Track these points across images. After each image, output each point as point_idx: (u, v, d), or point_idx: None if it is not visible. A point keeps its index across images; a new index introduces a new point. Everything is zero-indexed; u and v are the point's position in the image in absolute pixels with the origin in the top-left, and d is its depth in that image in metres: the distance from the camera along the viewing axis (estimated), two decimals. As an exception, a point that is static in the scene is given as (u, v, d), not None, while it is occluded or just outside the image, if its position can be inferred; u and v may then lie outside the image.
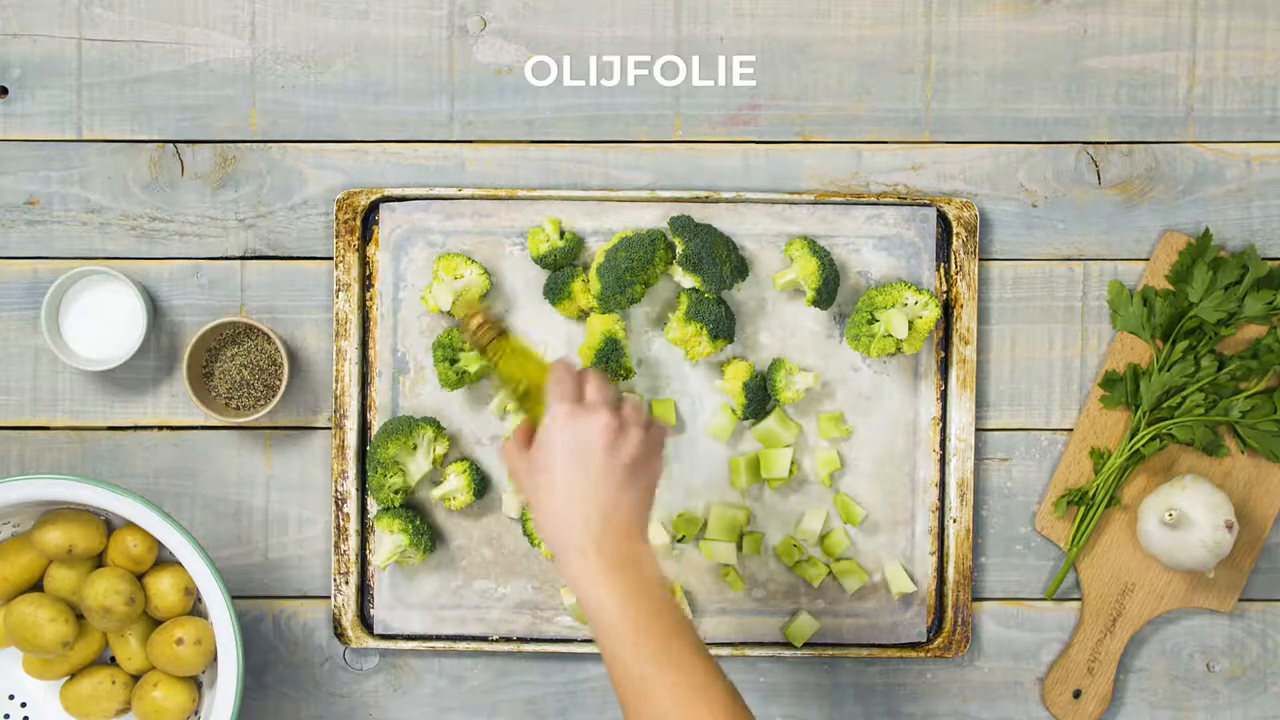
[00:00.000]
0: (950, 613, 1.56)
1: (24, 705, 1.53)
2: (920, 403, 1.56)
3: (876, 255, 1.56)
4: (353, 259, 1.55)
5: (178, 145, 1.57)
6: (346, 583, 1.56)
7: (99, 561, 1.51)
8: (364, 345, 1.57)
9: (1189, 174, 1.57)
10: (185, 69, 1.57)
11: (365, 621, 1.58)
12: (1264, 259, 1.56)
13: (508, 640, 1.57)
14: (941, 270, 1.56)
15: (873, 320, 1.52)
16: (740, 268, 1.53)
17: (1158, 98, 1.57)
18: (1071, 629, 1.59)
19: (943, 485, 1.57)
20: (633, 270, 1.50)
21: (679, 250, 1.51)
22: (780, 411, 1.55)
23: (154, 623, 1.51)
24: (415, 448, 1.54)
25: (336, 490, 1.56)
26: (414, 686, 1.59)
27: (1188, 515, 1.49)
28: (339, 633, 1.57)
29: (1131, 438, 1.55)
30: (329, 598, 1.58)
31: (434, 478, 1.56)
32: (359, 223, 1.55)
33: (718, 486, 1.56)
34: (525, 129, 1.57)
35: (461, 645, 1.57)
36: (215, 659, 1.48)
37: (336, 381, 1.56)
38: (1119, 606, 1.57)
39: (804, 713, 1.59)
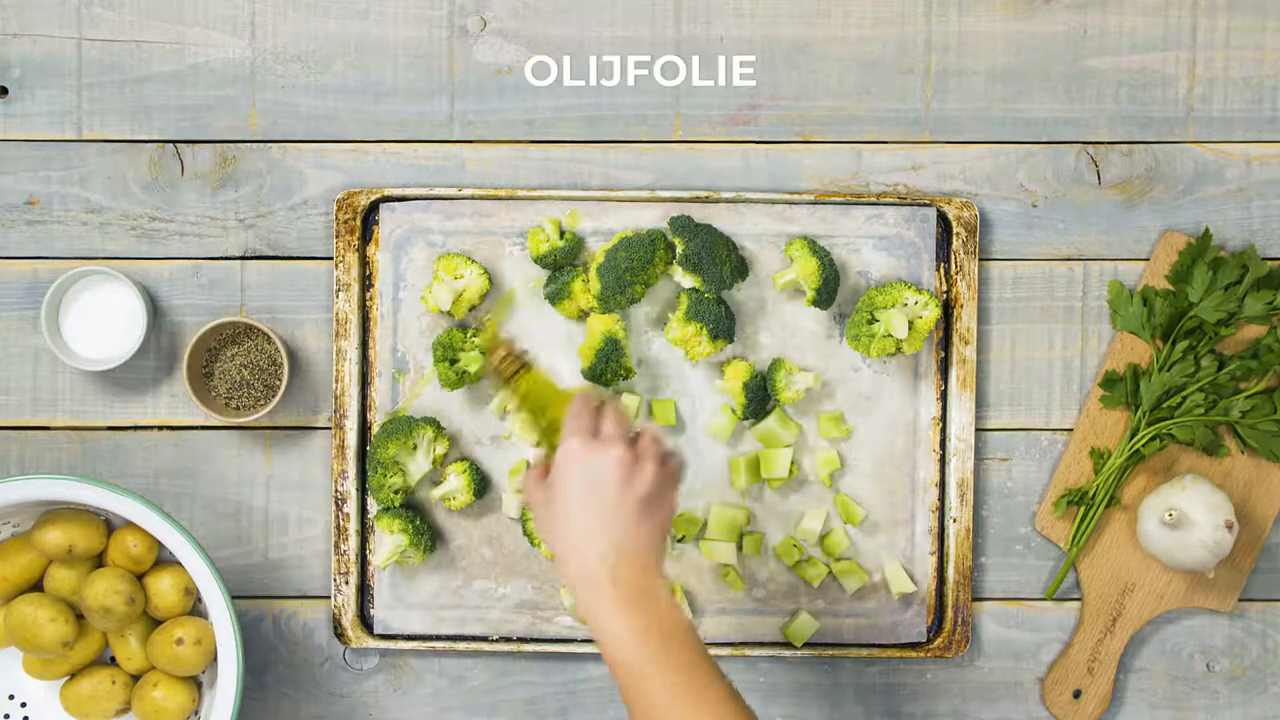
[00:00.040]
0: (950, 613, 1.56)
1: (24, 705, 1.53)
2: (920, 403, 1.56)
3: (876, 255, 1.56)
4: (353, 259, 1.55)
5: (178, 145, 1.57)
6: (346, 583, 1.56)
7: (99, 561, 1.51)
8: (364, 345, 1.57)
9: (1189, 174, 1.57)
10: (185, 69, 1.57)
11: (365, 621, 1.58)
12: (1264, 259, 1.56)
13: (508, 640, 1.57)
14: (941, 270, 1.56)
15: (873, 320, 1.52)
16: (740, 268, 1.53)
17: (1158, 98, 1.57)
18: (1071, 629, 1.59)
19: (943, 485, 1.57)
20: (633, 270, 1.50)
21: (679, 250, 1.51)
22: (780, 411, 1.55)
23: (154, 623, 1.51)
24: (415, 448, 1.54)
25: (336, 490, 1.56)
26: (414, 686, 1.59)
27: (1188, 515, 1.49)
28: (339, 633, 1.57)
29: (1131, 438, 1.55)
30: (329, 598, 1.58)
31: (434, 478, 1.56)
32: (359, 223, 1.55)
33: (718, 486, 1.56)
34: (525, 129, 1.57)
35: (461, 645, 1.57)
36: (215, 659, 1.48)
37: (336, 381, 1.56)
38: (1119, 606, 1.57)
39: (804, 713, 1.59)
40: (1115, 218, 1.58)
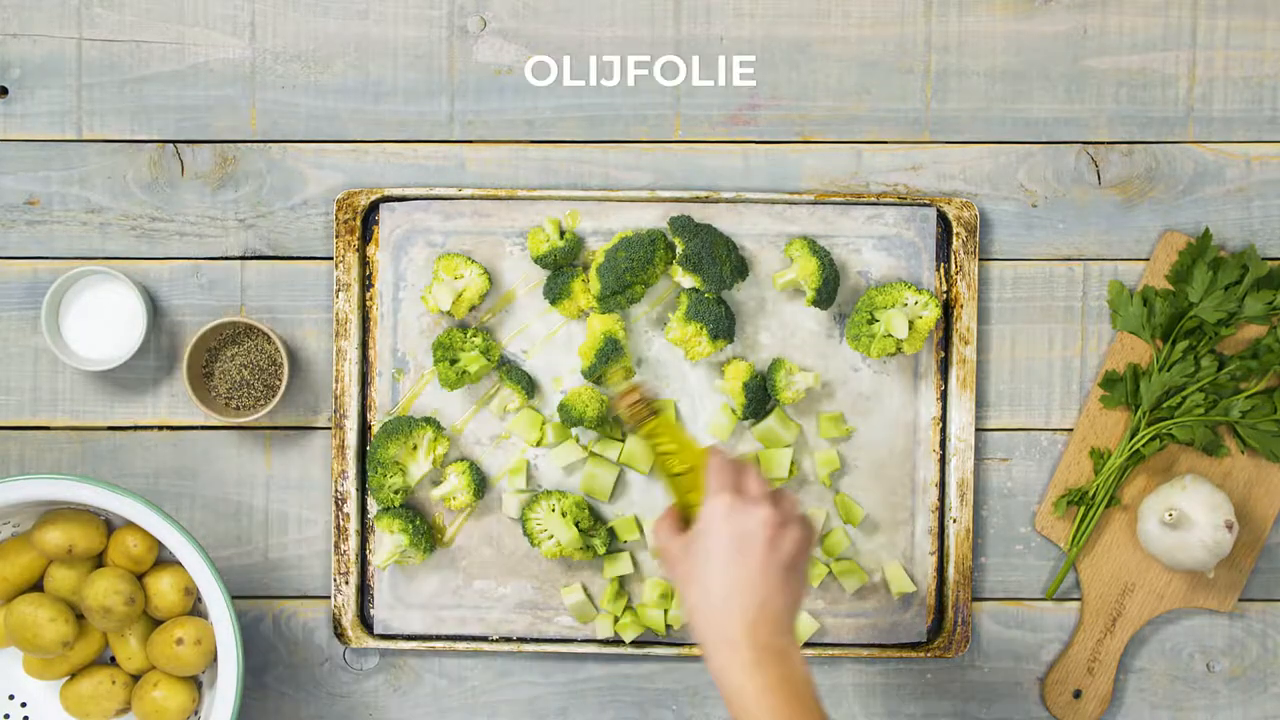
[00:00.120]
0: (950, 613, 1.56)
1: (24, 705, 1.53)
2: (920, 403, 1.56)
3: (876, 255, 1.56)
4: (353, 259, 1.55)
5: (178, 145, 1.57)
6: (346, 583, 1.56)
7: (99, 561, 1.51)
8: (364, 345, 1.57)
9: (1189, 174, 1.57)
10: (185, 69, 1.57)
11: (365, 621, 1.58)
12: (1264, 259, 1.56)
13: (508, 640, 1.57)
14: (941, 270, 1.56)
15: (873, 320, 1.52)
16: (740, 268, 1.53)
17: (1158, 98, 1.57)
18: (1071, 629, 1.59)
19: (943, 485, 1.57)
20: (633, 270, 1.50)
21: (679, 250, 1.51)
22: (780, 411, 1.55)
23: (154, 623, 1.51)
24: (415, 448, 1.54)
25: (336, 490, 1.56)
26: (414, 686, 1.59)
27: (1188, 515, 1.49)
28: (339, 633, 1.57)
29: (1131, 438, 1.55)
30: (329, 598, 1.58)
31: (434, 478, 1.56)
32: (359, 223, 1.55)
33: (718, 486, 1.56)
34: (525, 129, 1.57)
35: (461, 645, 1.57)
36: (215, 659, 1.48)
37: (336, 381, 1.56)
38: (1119, 606, 1.57)
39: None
40: (1115, 218, 1.58)
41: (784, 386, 1.52)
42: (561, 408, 1.53)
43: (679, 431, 1.37)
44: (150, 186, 1.57)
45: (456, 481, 1.54)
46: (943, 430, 1.56)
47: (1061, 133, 1.57)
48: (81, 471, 1.58)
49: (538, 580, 1.57)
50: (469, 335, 1.54)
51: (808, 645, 1.56)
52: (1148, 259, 1.58)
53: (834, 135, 1.57)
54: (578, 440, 1.55)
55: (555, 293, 1.54)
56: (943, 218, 1.56)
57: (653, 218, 1.55)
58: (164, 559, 1.52)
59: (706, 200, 1.55)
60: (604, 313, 1.53)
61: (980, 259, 1.57)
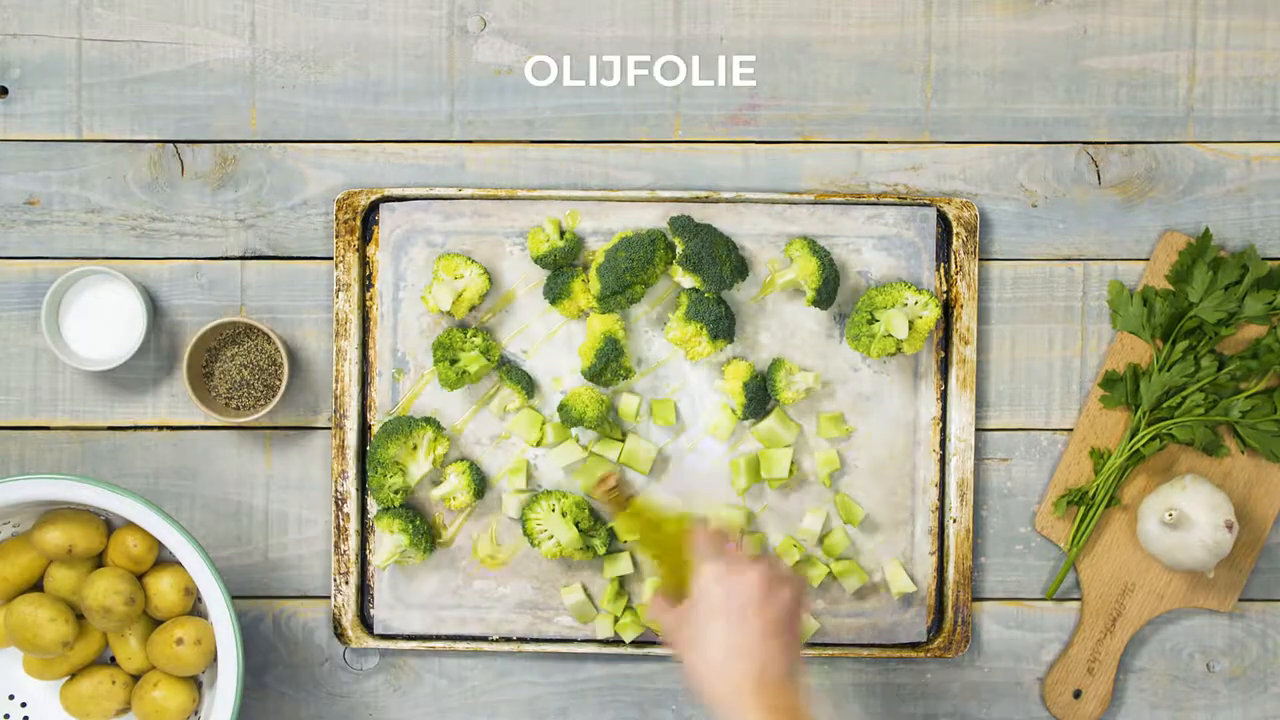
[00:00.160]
0: (950, 613, 1.56)
1: (24, 705, 1.53)
2: (920, 403, 1.56)
3: (876, 255, 1.56)
4: (353, 259, 1.55)
5: (178, 145, 1.57)
6: (346, 583, 1.56)
7: (99, 561, 1.51)
8: (364, 345, 1.57)
9: (1189, 174, 1.57)
10: (185, 69, 1.57)
11: (365, 621, 1.58)
12: (1264, 259, 1.56)
13: (508, 640, 1.57)
14: (941, 270, 1.56)
15: (873, 320, 1.52)
16: (740, 268, 1.53)
17: (1158, 98, 1.57)
18: (1071, 629, 1.59)
19: (943, 485, 1.57)
20: (633, 270, 1.50)
21: (679, 250, 1.51)
22: (780, 411, 1.55)
23: (154, 623, 1.51)
24: (415, 448, 1.54)
25: (336, 490, 1.56)
26: (414, 686, 1.59)
27: (1188, 515, 1.49)
28: (339, 633, 1.57)
29: (1131, 438, 1.55)
30: (329, 598, 1.58)
31: (434, 478, 1.56)
32: (359, 223, 1.55)
33: (718, 486, 1.56)
34: (525, 129, 1.57)
35: (461, 645, 1.57)
36: (215, 659, 1.48)
37: (336, 381, 1.56)
38: (1119, 606, 1.57)
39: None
40: (1115, 218, 1.58)
41: (784, 386, 1.52)
42: (561, 408, 1.53)
43: (658, 509, 1.42)
44: (150, 186, 1.57)
45: (456, 481, 1.54)
46: (943, 430, 1.56)
47: (1061, 133, 1.57)
48: (81, 471, 1.58)
49: (538, 580, 1.57)
50: (469, 335, 1.54)
51: (808, 645, 1.56)
52: (1148, 259, 1.58)
53: (834, 135, 1.57)
54: (578, 440, 1.55)
55: (555, 293, 1.54)
56: (943, 218, 1.56)
57: (653, 218, 1.55)
58: (164, 559, 1.52)
59: (706, 200, 1.55)
60: (604, 313, 1.53)
61: (980, 259, 1.57)
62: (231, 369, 1.55)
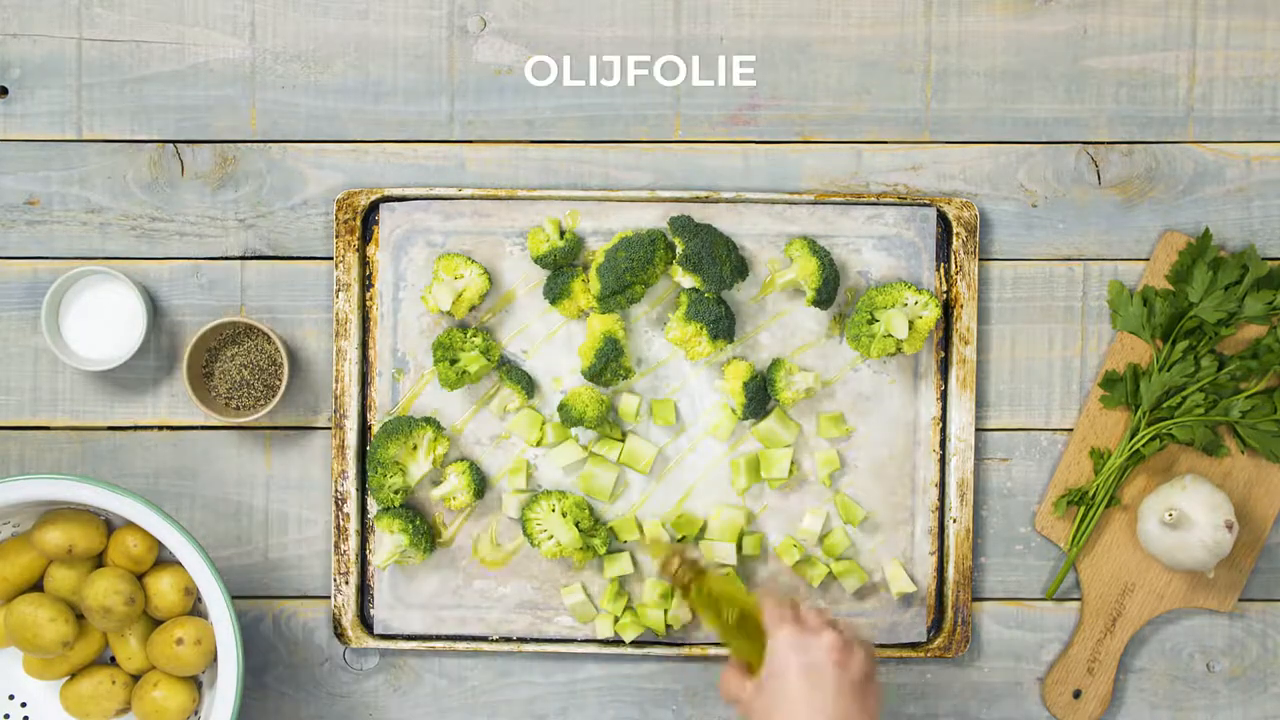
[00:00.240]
0: (950, 613, 1.56)
1: (24, 705, 1.53)
2: (920, 403, 1.56)
3: (876, 255, 1.56)
4: (353, 259, 1.55)
5: (178, 145, 1.57)
6: (346, 583, 1.56)
7: (99, 561, 1.51)
8: (364, 345, 1.57)
9: (1189, 174, 1.57)
10: (185, 69, 1.57)
11: (365, 621, 1.58)
12: (1264, 259, 1.56)
13: (508, 640, 1.57)
14: (941, 270, 1.56)
15: (873, 320, 1.52)
16: (740, 268, 1.53)
17: (1158, 98, 1.57)
18: (1071, 629, 1.59)
19: (943, 485, 1.57)
20: (633, 270, 1.50)
21: (679, 250, 1.51)
22: (780, 411, 1.55)
23: (154, 623, 1.51)
24: (415, 448, 1.54)
25: (336, 490, 1.56)
26: (414, 686, 1.59)
27: (1188, 515, 1.49)
28: (339, 633, 1.57)
29: (1131, 438, 1.55)
30: (329, 598, 1.58)
31: (434, 478, 1.56)
32: (359, 223, 1.55)
33: (718, 486, 1.56)
34: (525, 129, 1.57)
35: (461, 645, 1.57)
36: (215, 659, 1.48)
37: (336, 381, 1.56)
38: (1119, 606, 1.57)
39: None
40: (1115, 218, 1.58)
41: (784, 386, 1.52)
42: (561, 408, 1.53)
43: (726, 583, 1.41)
44: (150, 186, 1.57)
45: (456, 481, 1.54)
46: (943, 430, 1.56)
47: (1061, 133, 1.57)
48: (81, 471, 1.58)
49: (538, 580, 1.57)
50: (469, 335, 1.54)
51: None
52: (1148, 259, 1.58)
53: (834, 135, 1.57)
54: (577, 440, 1.55)
55: (555, 293, 1.54)
56: (943, 218, 1.56)
57: (653, 218, 1.55)
58: (164, 559, 1.52)
59: (706, 200, 1.55)
60: (604, 313, 1.53)
61: (980, 259, 1.57)
62: (231, 369, 1.55)
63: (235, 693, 1.42)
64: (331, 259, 1.57)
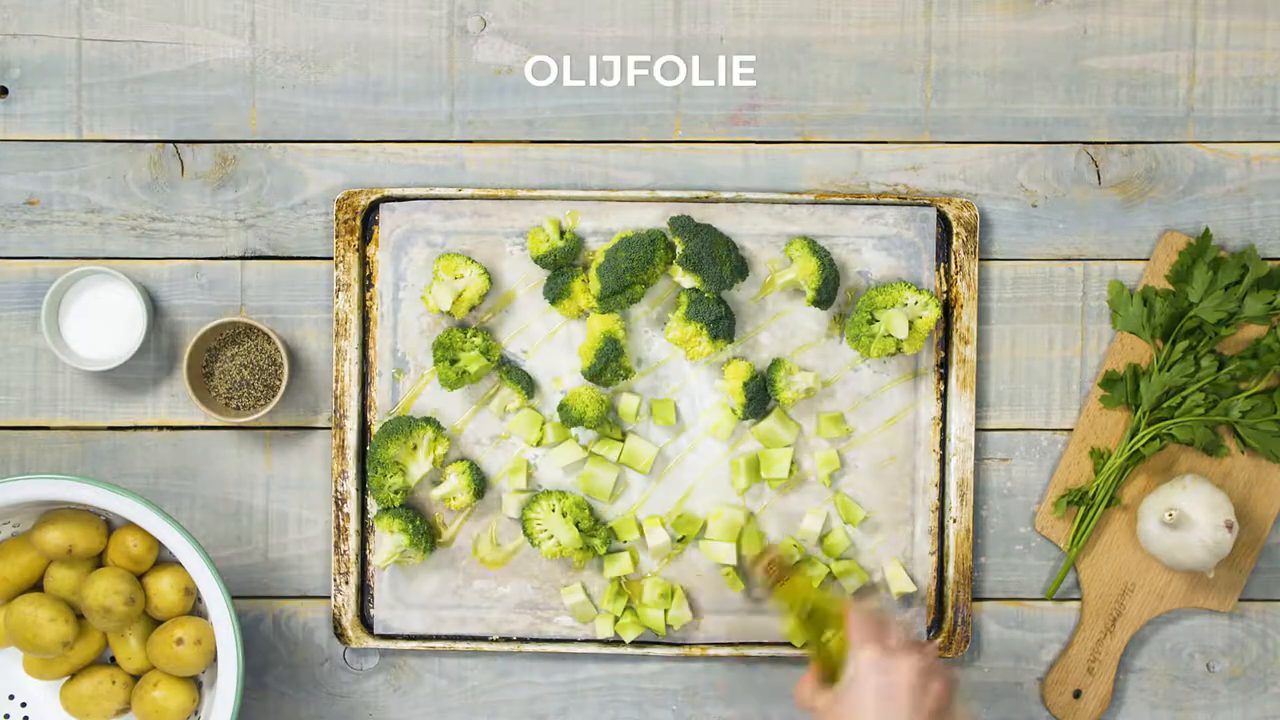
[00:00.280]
0: (950, 613, 1.56)
1: (24, 705, 1.53)
2: (920, 403, 1.56)
3: (876, 255, 1.56)
4: (353, 259, 1.55)
5: (178, 145, 1.57)
6: (346, 583, 1.56)
7: (99, 561, 1.51)
8: (364, 345, 1.57)
9: (1189, 174, 1.57)
10: (185, 69, 1.57)
11: (365, 621, 1.58)
12: (1264, 259, 1.56)
13: (508, 640, 1.57)
14: (941, 270, 1.56)
15: (873, 320, 1.52)
16: (740, 268, 1.53)
17: (1158, 98, 1.57)
18: (1071, 629, 1.59)
19: (943, 485, 1.57)
20: (633, 270, 1.50)
21: (679, 250, 1.51)
22: (780, 411, 1.55)
23: (154, 623, 1.51)
24: (415, 448, 1.54)
25: (336, 490, 1.56)
26: (414, 686, 1.59)
27: (1188, 515, 1.49)
28: (339, 633, 1.57)
29: (1131, 438, 1.55)
30: (329, 598, 1.58)
31: (434, 478, 1.56)
32: (359, 223, 1.55)
33: (718, 486, 1.56)
34: (525, 129, 1.57)
35: (461, 645, 1.57)
36: (215, 659, 1.48)
37: (336, 381, 1.56)
38: (1119, 606, 1.57)
39: (804, 713, 1.59)
40: (1115, 218, 1.58)
41: (784, 386, 1.52)
42: (561, 408, 1.53)
43: (815, 590, 1.43)
44: (150, 186, 1.57)
45: (456, 481, 1.54)
46: (943, 430, 1.56)
47: (1061, 133, 1.57)
48: (81, 471, 1.58)
49: (538, 580, 1.57)
50: (469, 335, 1.54)
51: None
52: (1148, 259, 1.58)
53: (834, 135, 1.57)
54: (577, 440, 1.55)
55: (555, 293, 1.54)
56: (943, 218, 1.56)
57: (653, 218, 1.55)
58: (164, 559, 1.52)
59: (706, 200, 1.55)
60: (604, 313, 1.53)
61: (980, 259, 1.57)
62: (231, 369, 1.55)
63: (235, 693, 1.42)
64: (331, 259, 1.57)
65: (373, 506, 1.57)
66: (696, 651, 1.56)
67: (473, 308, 1.55)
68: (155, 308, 1.57)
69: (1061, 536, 1.57)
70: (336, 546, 1.56)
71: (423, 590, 1.57)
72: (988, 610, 1.59)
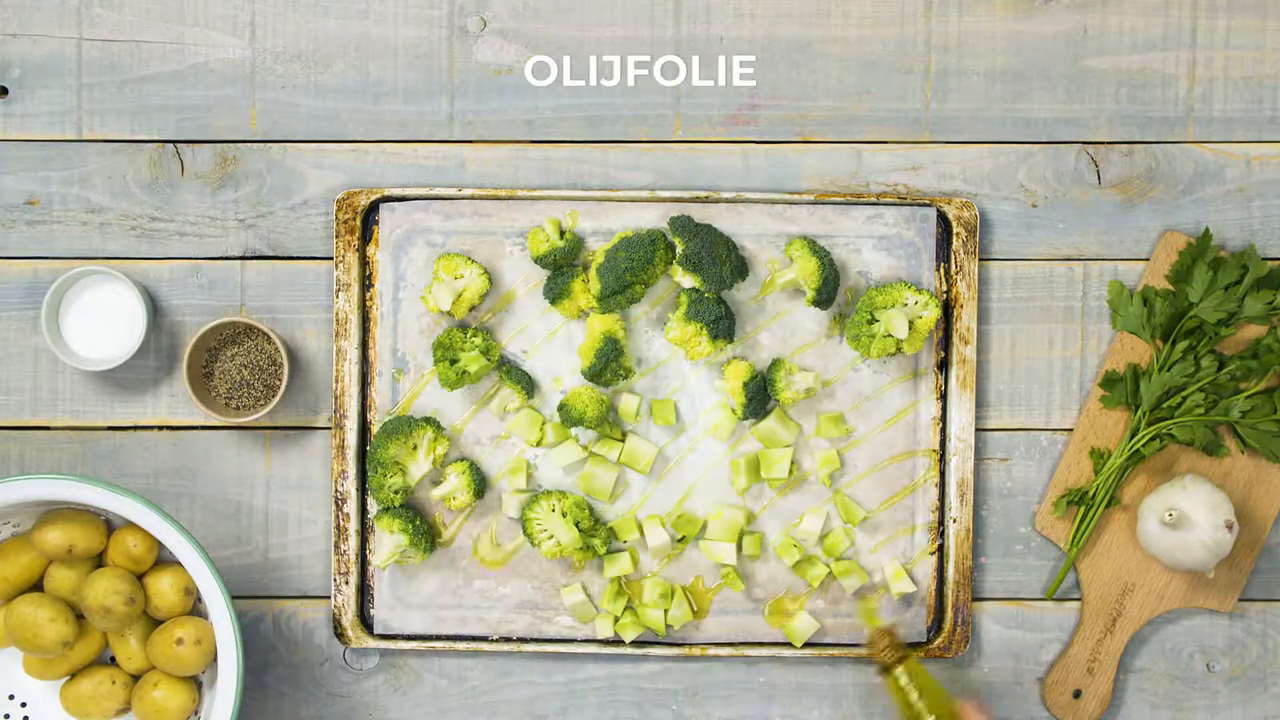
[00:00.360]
0: (950, 613, 1.56)
1: (24, 705, 1.53)
2: (920, 403, 1.56)
3: (876, 255, 1.56)
4: (353, 259, 1.55)
5: (178, 145, 1.57)
6: (346, 583, 1.56)
7: (99, 561, 1.51)
8: (364, 345, 1.57)
9: (1189, 174, 1.57)
10: (185, 69, 1.57)
11: (365, 621, 1.58)
12: (1264, 259, 1.56)
13: (508, 640, 1.57)
14: (941, 270, 1.56)
15: (873, 320, 1.52)
16: (740, 268, 1.53)
17: (1158, 98, 1.57)
18: (1071, 629, 1.59)
19: (943, 485, 1.57)
20: (633, 270, 1.50)
21: (679, 250, 1.51)
22: (780, 411, 1.55)
23: (154, 623, 1.51)
24: (415, 448, 1.54)
25: (336, 490, 1.56)
26: (414, 686, 1.59)
27: (1188, 515, 1.49)
28: (339, 633, 1.57)
29: (1131, 438, 1.55)
30: (329, 598, 1.58)
31: (434, 478, 1.56)
32: (359, 223, 1.55)
33: (718, 486, 1.56)
34: (525, 129, 1.57)
35: (461, 645, 1.57)
36: (215, 659, 1.48)
37: (336, 381, 1.56)
38: (1119, 606, 1.57)
39: (804, 713, 1.59)
40: (1115, 218, 1.58)
41: (784, 386, 1.52)
42: (561, 408, 1.53)
43: (929, 677, 1.45)
44: (150, 186, 1.57)
45: (456, 481, 1.54)
46: (943, 430, 1.56)
47: (1061, 133, 1.57)
48: (81, 471, 1.58)
49: (538, 580, 1.57)
50: (469, 335, 1.54)
51: (808, 645, 1.56)
52: (1148, 259, 1.58)
53: (834, 135, 1.57)
54: (577, 440, 1.55)
55: (555, 293, 1.54)
56: (943, 218, 1.56)
57: (653, 218, 1.55)
58: (164, 559, 1.52)
59: (706, 200, 1.55)
60: (604, 313, 1.53)
61: (980, 259, 1.57)
62: (231, 369, 1.55)
63: (235, 693, 1.42)
64: (331, 259, 1.57)
65: (373, 506, 1.57)
66: (696, 651, 1.56)
67: (473, 308, 1.55)
68: (155, 308, 1.57)
69: (1061, 536, 1.57)
70: (336, 546, 1.56)
71: (423, 590, 1.57)
72: (988, 610, 1.59)
